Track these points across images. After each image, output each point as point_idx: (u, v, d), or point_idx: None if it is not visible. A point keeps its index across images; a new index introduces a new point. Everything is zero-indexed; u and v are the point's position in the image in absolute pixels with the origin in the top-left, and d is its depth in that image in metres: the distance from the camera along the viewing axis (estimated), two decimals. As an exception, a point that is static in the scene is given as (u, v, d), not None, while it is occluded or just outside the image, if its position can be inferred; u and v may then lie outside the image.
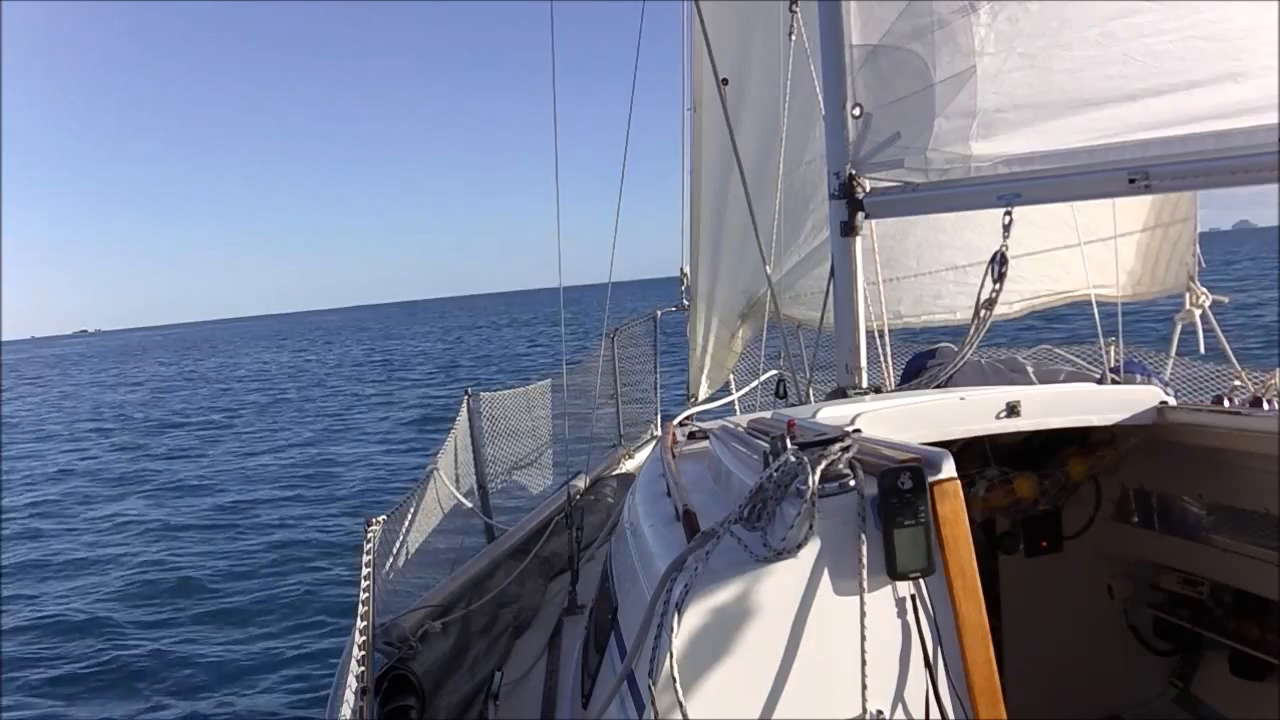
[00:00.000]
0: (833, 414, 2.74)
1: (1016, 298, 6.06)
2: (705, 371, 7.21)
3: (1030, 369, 4.57)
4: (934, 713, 1.84)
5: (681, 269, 7.37)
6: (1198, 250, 5.85)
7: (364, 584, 3.43)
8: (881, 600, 1.85)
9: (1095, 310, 5.12)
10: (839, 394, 4.24)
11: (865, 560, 1.82)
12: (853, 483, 1.88)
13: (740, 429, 3.12)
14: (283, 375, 49.56)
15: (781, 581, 1.84)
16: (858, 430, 2.19)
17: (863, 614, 1.81)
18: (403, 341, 72.67)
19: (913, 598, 1.86)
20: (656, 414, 8.11)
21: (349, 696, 2.88)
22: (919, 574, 1.83)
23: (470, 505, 5.77)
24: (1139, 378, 4.49)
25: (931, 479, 1.84)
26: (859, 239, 4.20)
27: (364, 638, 3.23)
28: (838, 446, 1.93)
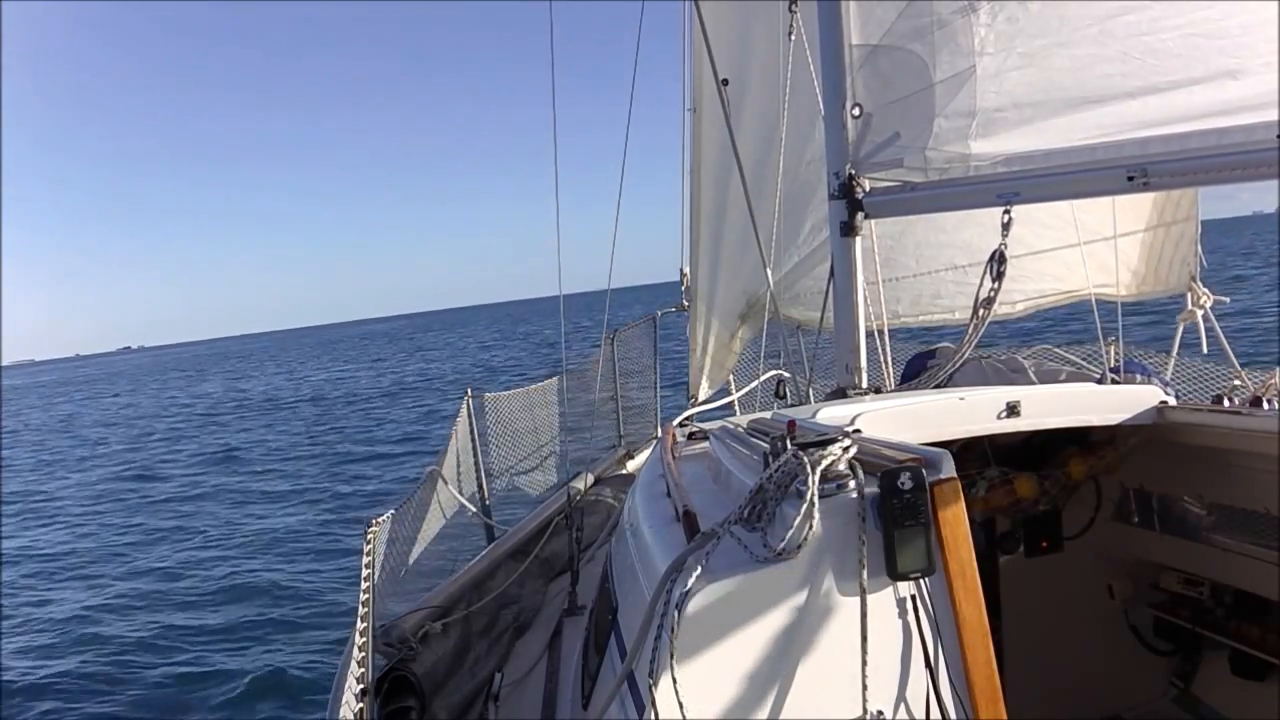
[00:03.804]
0: (833, 414, 2.74)
1: (1020, 297, 6.06)
2: (705, 372, 7.20)
3: (1030, 369, 4.57)
4: (934, 713, 1.84)
5: (681, 269, 7.37)
6: (1199, 250, 5.84)
7: (364, 585, 3.42)
8: (882, 600, 1.85)
9: (1095, 310, 5.12)
10: (839, 394, 4.23)
11: (865, 560, 1.81)
12: (853, 483, 1.88)
13: (740, 429, 3.11)
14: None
15: (782, 582, 1.83)
16: (858, 430, 2.18)
17: (863, 614, 1.81)
18: (488, 350, 67.12)
19: (913, 598, 1.86)
20: (656, 414, 8.11)
21: (349, 697, 2.87)
22: (919, 574, 1.83)
23: (471, 506, 5.77)
24: (1139, 377, 4.49)
25: (932, 479, 1.84)
26: (858, 239, 4.20)
27: (364, 639, 3.23)
28: (838, 447, 1.92)
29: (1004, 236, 3.72)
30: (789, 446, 1.96)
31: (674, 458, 3.29)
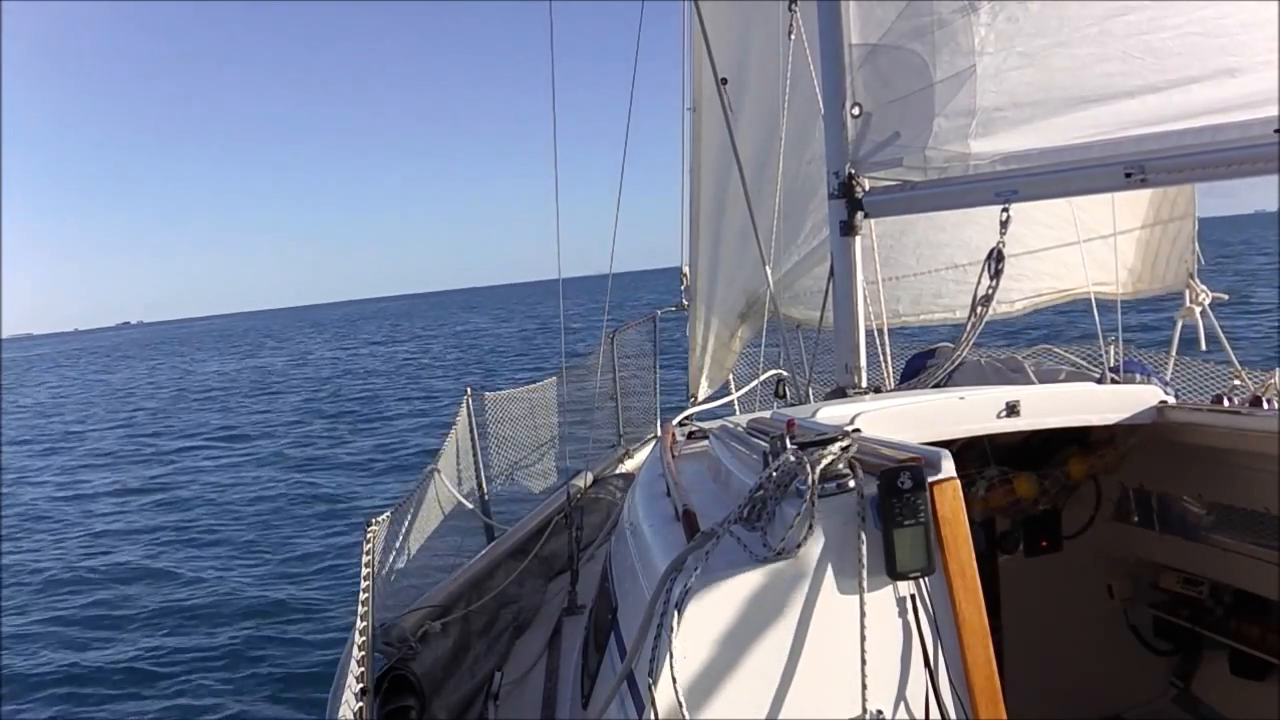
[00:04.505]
0: (832, 414, 2.74)
1: (1018, 295, 6.06)
2: (705, 371, 7.20)
3: (1030, 369, 4.56)
4: (934, 713, 1.84)
5: (681, 269, 7.37)
6: (1197, 248, 5.85)
7: (364, 584, 3.43)
8: (881, 600, 1.85)
9: (1095, 309, 5.12)
10: (838, 393, 4.23)
11: (865, 560, 1.81)
12: (852, 483, 1.88)
13: (740, 429, 3.12)
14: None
15: (781, 581, 1.83)
16: (857, 430, 2.18)
17: (863, 614, 1.81)
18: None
19: (912, 597, 1.86)
20: (656, 414, 8.11)
21: (349, 697, 2.87)
22: (919, 574, 1.83)
23: (470, 505, 5.77)
24: (1139, 377, 4.48)
25: (931, 479, 1.84)
26: (858, 238, 4.20)
27: (364, 638, 3.23)
28: (837, 446, 1.92)
29: (1002, 235, 3.72)
30: (788, 446, 1.96)
31: (674, 457, 3.29)
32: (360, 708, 2.90)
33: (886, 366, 5.15)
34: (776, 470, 1.94)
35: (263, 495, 18.47)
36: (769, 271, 4.96)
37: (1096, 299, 5.23)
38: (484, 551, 4.96)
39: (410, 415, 26.57)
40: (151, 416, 34.38)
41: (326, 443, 23.79)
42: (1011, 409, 2.96)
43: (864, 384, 4.28)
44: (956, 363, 4.14)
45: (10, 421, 37.83)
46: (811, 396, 4.84)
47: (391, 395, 32.20)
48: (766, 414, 3.50)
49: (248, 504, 17.76)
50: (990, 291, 3.80)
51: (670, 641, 1.79)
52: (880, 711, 1.82)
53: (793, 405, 4.72)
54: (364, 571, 3.49)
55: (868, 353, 4.39)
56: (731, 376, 7.18)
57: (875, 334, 4.77)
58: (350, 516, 14.76)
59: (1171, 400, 3.35)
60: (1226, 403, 3.58)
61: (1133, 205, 5.68)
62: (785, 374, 5.17)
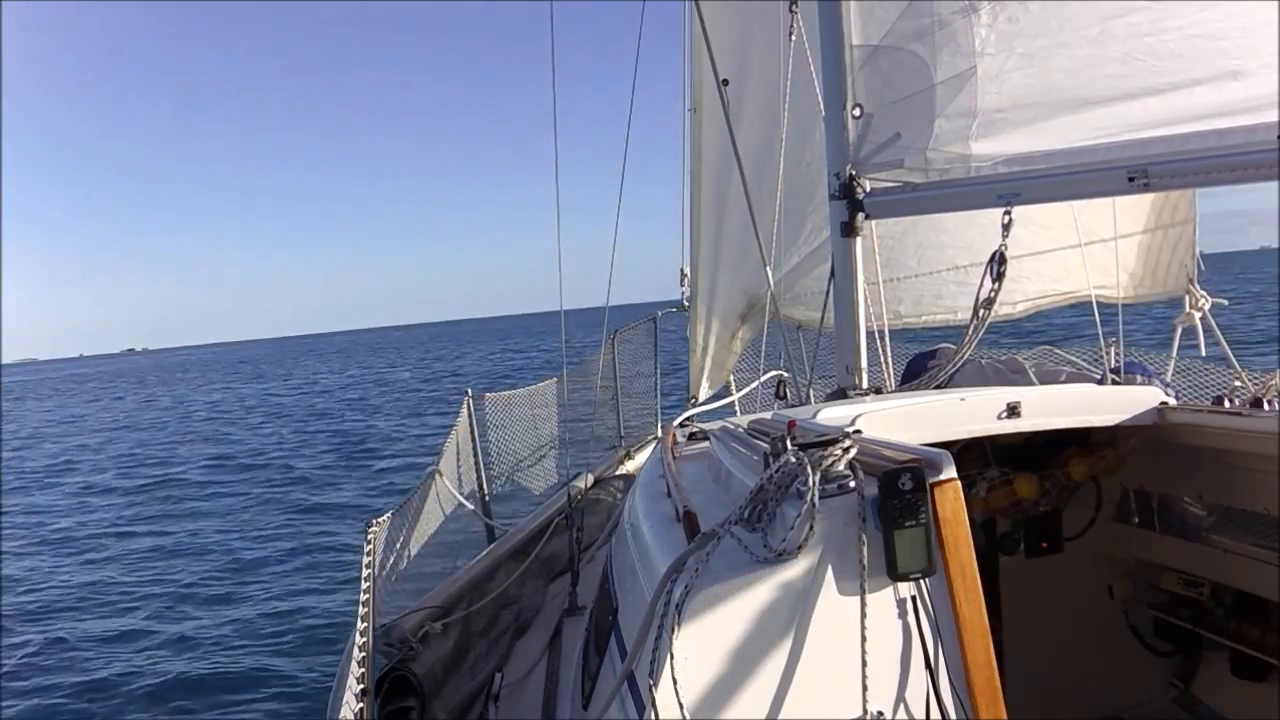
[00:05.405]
0: (833, 415, 2.74)
1: (1020, 297, 6.06)
2: (705, 372, 7.21)
3: (1031, 369, 4.56)
4: (934, 713, 1.84)
5: (681, 268, 7.37)
6: (1198, 253, 5.84)
7: (364, 585, 3.43)
8: (882, 601, 1.85)
9: (1096, 311, 5.11)
10: (839, 394, 4.23)
11: (866, 561, 1.81)
12: (853, 484, 1.88)
13: (740, 430, 3.12)
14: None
15: (782, 582, 1.83)
16: (858, 431, 2.18)
17: (863, 615, 1.81)
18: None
19: (913, 599, 1.86)
20: (657, 415, 8.12)
21: (349, 698, 2.87)
22: (919, 575, 1.82)
23: (471, 506, 5.78)
24: (1140, 378, 4.48)
25: (932, 480, 1.84)
26: (859, 239, 4.20)
27: (364, 639, 3.23)
28: (838, 447, 1.92)
29: (1004, 237, 3.72)
30: (789, 447, 1.95)
31: (674, 458, 3.29)
32: (361, 708, 2.90)
33: (887, 368, 5.14)
34: (777, 471, 1.94)
35: (268, 500, 18.51)
36: (770, 272, 4.97)
37: (1097, 302, 5.23)
38: (485, 552, 4.96)
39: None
40: (178, 439, 34.14)
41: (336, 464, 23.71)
42: (1012, 410, 2.96)
43: (865, 385, 4.28)
44: (958, 364, 4.13)
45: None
46: (812, 397, 4.84)
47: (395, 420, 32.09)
48: (767, 415, 3.50)
49: (250, 507, 17.78)
50: (992, 295, 3.79)
51: (671, 642, 1.79)
52: (881, 713, 1.82)
53: (794, 406, 4.72)
54: (365, 572, 3.50)
55: (869, 354, 4.39)
56: (732, 377, 7.18)
57: (876, 335, 4.77)
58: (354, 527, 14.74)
59: (1172, 401, 3.35)
60: (1227, 404, 3.58)
61: (1133, 210, 5.68)
62: (786, 375, 5.17)
